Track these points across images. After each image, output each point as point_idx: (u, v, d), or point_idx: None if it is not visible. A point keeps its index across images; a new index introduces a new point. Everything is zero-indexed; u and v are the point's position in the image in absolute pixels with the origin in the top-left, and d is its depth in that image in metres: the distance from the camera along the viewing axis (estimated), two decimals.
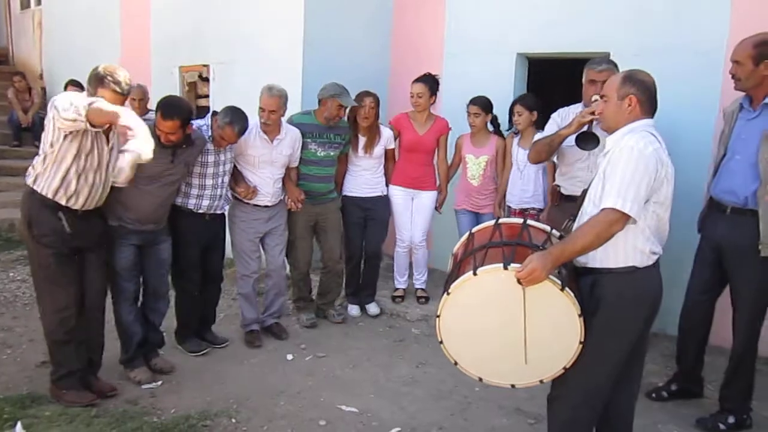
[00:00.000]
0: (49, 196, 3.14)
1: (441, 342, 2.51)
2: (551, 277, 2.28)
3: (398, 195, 4.90)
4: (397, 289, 5.17)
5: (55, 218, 3.16)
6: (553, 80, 5.91)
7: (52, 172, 3.12)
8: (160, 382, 3.69)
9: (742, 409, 3.38)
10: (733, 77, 3.27)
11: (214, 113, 3.95)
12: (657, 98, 2.48)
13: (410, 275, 5.18)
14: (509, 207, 4.72)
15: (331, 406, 3.53)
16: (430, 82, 4.78)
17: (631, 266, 2.38)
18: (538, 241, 2.48)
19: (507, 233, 2.58)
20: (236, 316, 4.63)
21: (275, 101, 4.08)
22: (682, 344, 3.70)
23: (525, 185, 4.60)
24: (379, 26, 5.94)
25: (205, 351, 4.13)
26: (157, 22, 7.26)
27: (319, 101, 4.48)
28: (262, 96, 4.10)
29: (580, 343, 2.35)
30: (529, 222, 2.65)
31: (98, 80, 3.08)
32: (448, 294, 2.41)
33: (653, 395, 3.70)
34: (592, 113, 3.11)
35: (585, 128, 3.23)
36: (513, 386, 2.54)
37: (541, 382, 2.47)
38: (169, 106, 3.48)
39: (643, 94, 2.43)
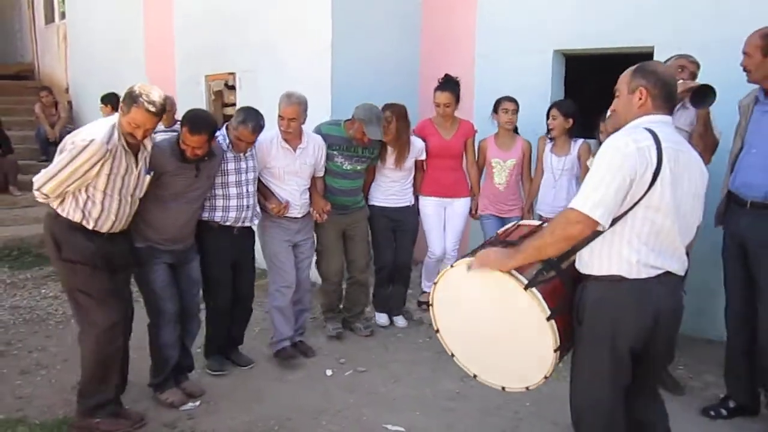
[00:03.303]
0: (75, 220, 3.05)
1: (437, 331, 2.56)
2: (516, 274, 2.22)
3: (430, 206, 4.74)
4: (424, 293, 5.00)
5: (84, 238, 3.07)
6: (588, 77, 5.71)
7: (74, 198, 3.03)
8: (198, 403, 3.57)
9: None
10: (744, 69, 3.20)
11: (228, 125, 3.83)
12: (674, 92, 2.29)
13: None
14: (540, 215, 4.55)
15: (376, 425, 3.38)
16: (455, 89, 4.61)
17: (617, 275, 2.19)
18: None
19: (517, 233, 2.55)
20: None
21: (295, 109, 3.94)
22: (727, 351, 3.51)
23: (558, 193, 4.44)
24: (407, 30, 5.81)
25: (225, 372, 3.98)
26: (181, 31, 7.20)
27: (352, 117, 4.32)
28: (281, 104, 3.97)
29: (556, 350, 2.23)
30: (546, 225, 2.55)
31: (132, 99, 2.98)
32: (435, 284, 2.51)
33: (711, 413, 3.46)
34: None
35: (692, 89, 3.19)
36: (503, 389, 2.50)
37: (527, 389, 2.41)
38: (196, 121, 3.36)
39: (655, 87, 2.23)
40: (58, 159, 2.96)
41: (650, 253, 2.18)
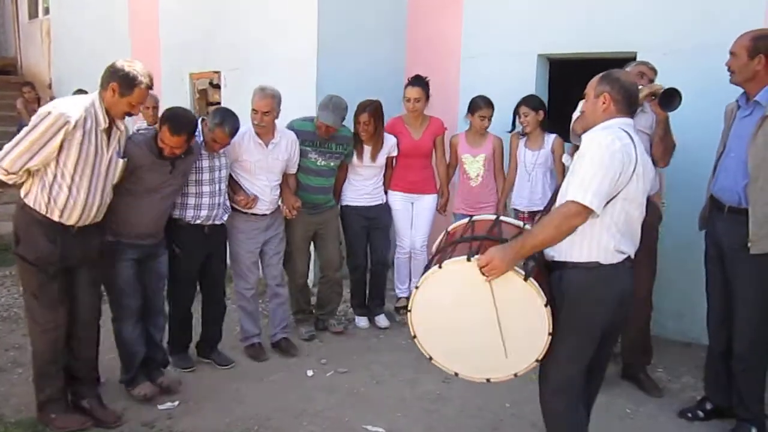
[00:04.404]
0: (41, 210, 2.98)
1: (414, 336, 2.57)
2: (515, 268, 2.32)
3: (398, 201, 4.77)
4: (400, 298, 5.01)
5: (45, 238, 3.00)
6: (575, 82, 5.75)
7: (41, 180, 2.97)
8: (177, 403, 3.54)
9: (761, 417, 3.25)
10: (728, 70, 3.22)
11: (203, 119, 3.81)
12: (635, 98, 2.49)
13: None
14: (516, 210, 4.58)
15: (357, 426, 3.37)
16: (425, 87, 4.65)
17: (595, 262, 2.38)
18: (509, 235, 2.51)
19: (479, 228, 2.65)
20: None
21: (268, 102, 3.94)
22: (708, 351, 3.54)
23: (534, 187, 4.49)
24: (393, 29, 5.82)
25: (193, 368, 3.97)
26: (166, 29, 7.15)
27: None
28: (254, 97, 3.97)
29: (549, 334, 2.37)
30: (502, 218, 2.70)
31: (131, 81, 3.01)
32: (417, 288, 2.51)
33: (689, 414, 3.50)
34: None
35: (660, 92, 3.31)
36: (488, 380, 2.55)
37: (515, 375, 2.49)
38: (177, 122, 3.33)
39: (618, 93, 2.44)
40: (25, 130, 2.91)
41: (623, 240, 2.40)
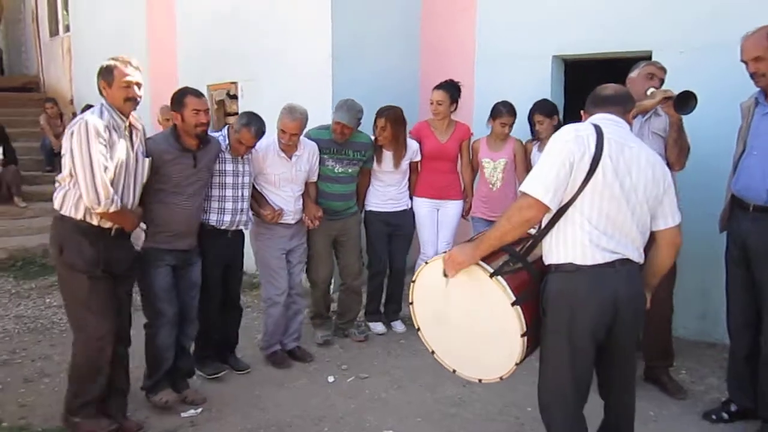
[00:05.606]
0: (79, 217, 3.04)
1: (419, 329, 2.63)
2: (482, 264, 2.32)
3: (423, 207, 4.76)
4: None
5: (87, 243, 3.06)
6: (590, 82, 5.73)
7: (77, 189, 3.02)
8: (200, 410, 3.57)
9: None
10: (753, 76, 3.12)
11: (230, 126, 3.89)
12: (601, 93, 2.49)
13: None
14: None
15: (378, 431, 3.38)
16: (451, 89, 4.65)
17: (570, 263, 2.29)
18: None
19: None
20: None
21: (297, 124, 3.97)
22: (730, 353, 3.49)
23: None
24: (407, 34, 5.85)
25: (223, 372, 4.00)
26: (183, 42, 7.26)
27: None
28: (282, 118, 3.97)
29: (522, 336, 2.29)
30: None
31: (110, 69, 3.07)
32: (413, 282, 2.57)
33: (713, 416, 3.44)
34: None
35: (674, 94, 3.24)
36: (480, 381, 2.53)
37: (501, 378, 2.45)
38: (189, 89, 3.52)
39: (588, 102, 2.52)
40: (78, 159, 2.94)
41: (602, 236, 2.27)
